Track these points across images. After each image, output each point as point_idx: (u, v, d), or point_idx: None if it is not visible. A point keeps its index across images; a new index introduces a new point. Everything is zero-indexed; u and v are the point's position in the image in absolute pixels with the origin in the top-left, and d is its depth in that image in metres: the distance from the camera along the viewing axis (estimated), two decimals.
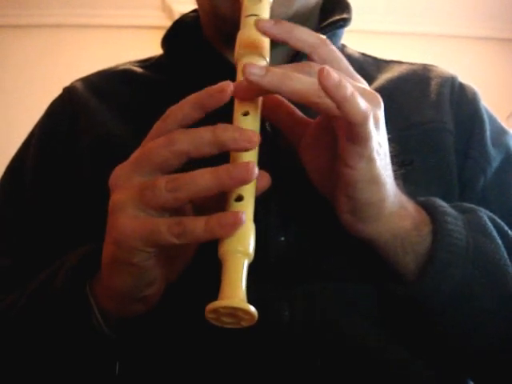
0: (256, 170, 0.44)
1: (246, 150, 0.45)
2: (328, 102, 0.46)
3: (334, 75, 0.45)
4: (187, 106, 0.47)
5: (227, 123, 0.48)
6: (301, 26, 0.51)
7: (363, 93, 0.50)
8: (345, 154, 0.49)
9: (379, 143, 0.50)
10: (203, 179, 0.44)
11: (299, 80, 0.47)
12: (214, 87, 0.46)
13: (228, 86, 0.46)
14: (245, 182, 0.44)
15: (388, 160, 0.52)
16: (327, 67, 0.46)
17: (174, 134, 0.46)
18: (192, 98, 0.47)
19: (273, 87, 0.46)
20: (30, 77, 2.68)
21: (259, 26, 0.50)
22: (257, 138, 0.45)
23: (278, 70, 0.47)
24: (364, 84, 0.52)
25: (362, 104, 0.47)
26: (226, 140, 0.45)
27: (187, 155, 0.45)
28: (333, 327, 0.55)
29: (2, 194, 0.70)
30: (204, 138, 0.45)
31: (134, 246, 0.45)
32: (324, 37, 0.52)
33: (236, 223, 0.43)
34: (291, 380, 0.54)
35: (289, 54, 0.67)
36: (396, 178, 0.54)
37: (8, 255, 0.65)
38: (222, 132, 0.45)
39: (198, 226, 0.44)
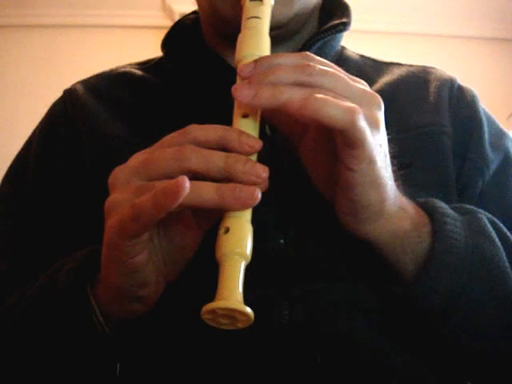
0: (259, 196, 0.45)
1: (254, 184, 0.46)
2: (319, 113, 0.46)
3: (296, 97, 0.46)
4: (212, 136, 0.47)
5: (227, 124, 0.49)
6: (280, 60, 0.50)
7: (363, 94, 0.50)
8: (344, 157, 0.49)
9: (379, 144, 0.50)
10: (206, 193, 0.45)
11: (289, 93, 0.47)
12: (244, 140, 0.47)
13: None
14: (247, 206, 0.45)
15: (388, 161, 0.52)
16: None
17: (186, 149, 0.46)
18: (220, 130, 0.48)
19: (266, 104, 0.47)
20: (31, 77, 2.68)
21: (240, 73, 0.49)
22: (266, 174, 0.46)
23: (269, 87, 0.47)
24: (364, 85, 0.52)
25: (341, 110, 0.46)
26: (236, 172, 0.46)
27: (194, 173, 0.46)
28: (332, 327, 0.55)
29: (3, 196, 0.69)
30: (215, 163, 0.46)
31: (117, 242, 0.46)
32: (306, 56, 0.51)
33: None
34: (291, 379, 0.54)
35: (294, 49, 0.67)
36: (396, 179, 0.54)
37: (7, 258, 0.65)
38: (234, 163, 0.46)
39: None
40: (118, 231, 0.45)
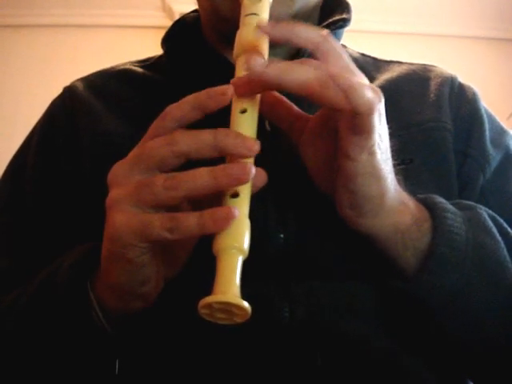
0: (253, 171, 0.45)
1: (246, 157, 0.46)
2: (331, 93, 0.46)
3: (343, 62, 0.46)
4: (186, 106, 0.47)
5: (225, 122, 0.48)
6: (301, 24, 0.51)
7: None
8: (346, 145, 0.49)
9: (380, 136, 0.50)
10: (201, 178, 0.44)
11: (301, 72, 0.47)
12: (216, 89, 0.46)
13: (229, 89, 0.46)
14: (241, 182, 0.45)
15: (389, 154, 0.53)
16: (337, 54, 0.46)
17: (175, 134, 0.46)
18: (191, 97, 0.47)
19: (275, 79, 0.47)
20: (30, 76, 2.69)
21: (261, 30, 0.50)
22: (257, 147, 0.46)
23: (281, 63, 0.48)
24: (365, 80, 0.52)
25: (369, 94, 0.47)
26: (226, 145, 0.45)
27: (187, 156, 0.46)
28: (332, 325, 0.55)
29: (3, 192, 0.69)
30: (205, 141, 0.45)
31: (128, 242, 0.46)
32: (326, 31, 0.51)
33: (229, 218, 0.44)
34: (291, 378, 0.54)
35: (290, 53, 0.67)
36: (396, 173, 0.54)
37: (7, 254, 0.65)
38: (224, 137, 0.45)
39: (191, 220, 0.44)
40: (140, 233, 0.45)
